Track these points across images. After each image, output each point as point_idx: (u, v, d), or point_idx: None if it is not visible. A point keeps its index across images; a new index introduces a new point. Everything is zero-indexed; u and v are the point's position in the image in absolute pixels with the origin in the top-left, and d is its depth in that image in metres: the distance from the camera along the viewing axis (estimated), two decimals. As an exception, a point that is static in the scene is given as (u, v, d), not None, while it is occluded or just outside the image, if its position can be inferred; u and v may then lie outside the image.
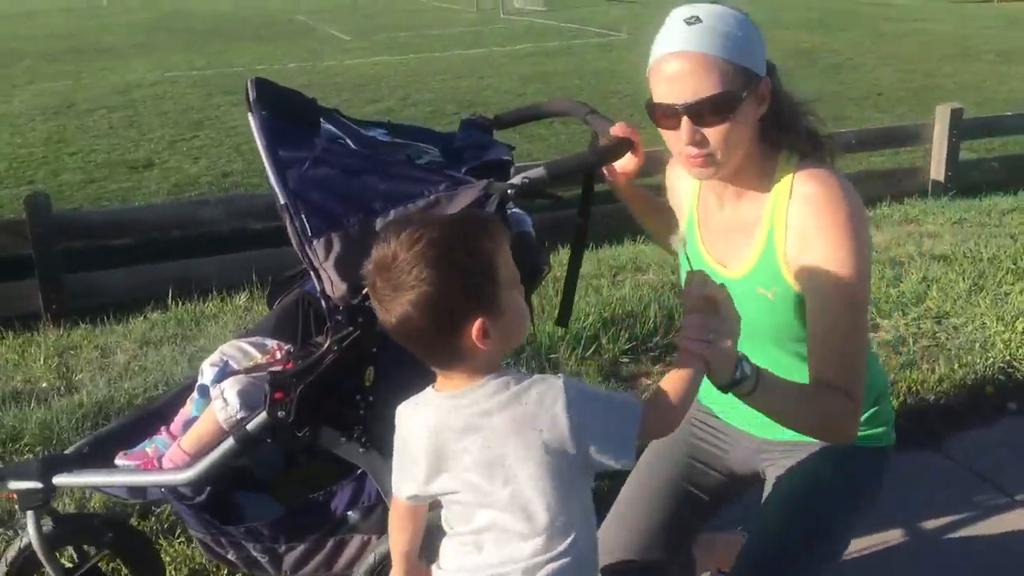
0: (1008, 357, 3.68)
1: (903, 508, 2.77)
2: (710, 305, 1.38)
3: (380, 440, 1.69)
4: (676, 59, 1.52)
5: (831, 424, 1.59)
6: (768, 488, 1.83)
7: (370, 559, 1.81)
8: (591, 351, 3.74)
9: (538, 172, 1.64)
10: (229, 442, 1.72)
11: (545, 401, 1.29)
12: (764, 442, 1.84)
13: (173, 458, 1.89)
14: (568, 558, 1.33)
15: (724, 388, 1.44)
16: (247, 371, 1.91)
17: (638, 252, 5.24)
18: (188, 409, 2.00)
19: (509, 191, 1.62)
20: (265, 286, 4.79)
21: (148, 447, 1.96)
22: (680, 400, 1.38)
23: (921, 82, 13.04)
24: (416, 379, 1.41)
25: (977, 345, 3.79)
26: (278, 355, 1.99)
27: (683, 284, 1.43)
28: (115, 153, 10.20)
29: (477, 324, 1.27)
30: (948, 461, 3.10)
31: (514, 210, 1.86)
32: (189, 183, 8.91)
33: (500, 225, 1.35)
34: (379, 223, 1.59)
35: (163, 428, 2.02)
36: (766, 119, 1.62)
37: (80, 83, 14.88)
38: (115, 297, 5.20)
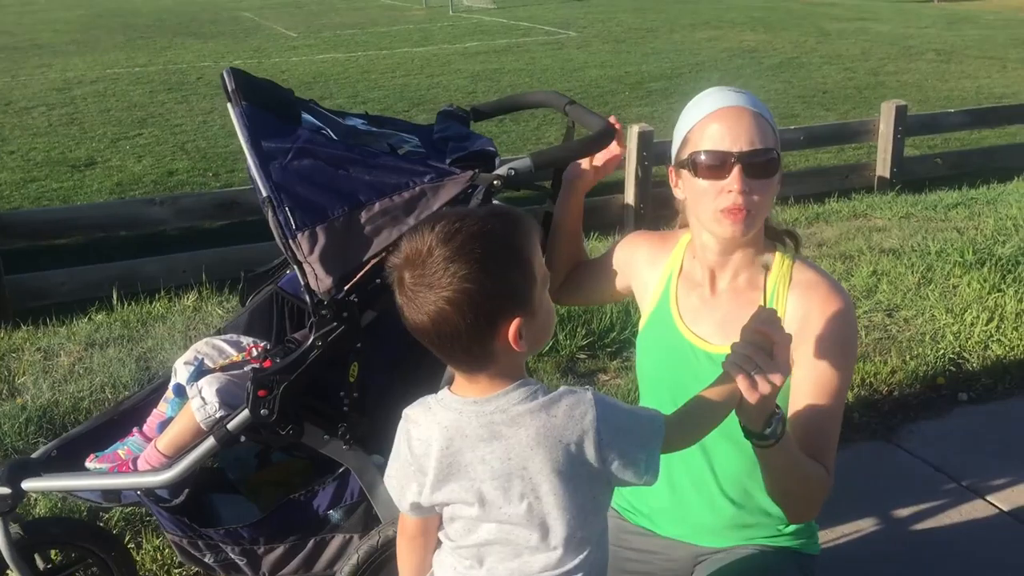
0: (958, 348, 3.77)
1: (857, 499, 2.80)
2: (767, 344, 1.36)
3: (364, 438, 1.67)
4: (733, 111, 1.60)
5: (812, 494, 1.62)
6: None
7: (353, 558, 1.77)
8: (548, 348, 3.73)
9: (524, 162, 1.63)
10: (209, 441, 1.67)
11: (575, 414, 1.24)
12: (700, 550, 1.82)
13: (149, 459, 1.84)
14: (580, 574, 1.29)
15: (751, 436, 1.46)
16: (223, 369, 1.87)
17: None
18: (163, 409, 1.95)
19: (496, 182, 1.61)
20: (213, 286, 4.71)
21: (120, 449, 1.90)
22: (707, 418, 1.36)
23: (865, 80, 13.32)
24: (401, 376, 1.39)
25: (927, 337, 3.88)
26: (254, 352, 1.94)
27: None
28: (55, 151, 9.91)
29: (514, 324, 1.21)
30: (901, 451, 3.15)
31: (495, 203, 1.85)
32: (133, 182, 8.71)
33: (534, 221, 1.29)
34: (364, 215, 1.56)
35: (135, 429, 1.96)
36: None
37: (17, 80, 14.42)
38: (57, 298, 5.05)
